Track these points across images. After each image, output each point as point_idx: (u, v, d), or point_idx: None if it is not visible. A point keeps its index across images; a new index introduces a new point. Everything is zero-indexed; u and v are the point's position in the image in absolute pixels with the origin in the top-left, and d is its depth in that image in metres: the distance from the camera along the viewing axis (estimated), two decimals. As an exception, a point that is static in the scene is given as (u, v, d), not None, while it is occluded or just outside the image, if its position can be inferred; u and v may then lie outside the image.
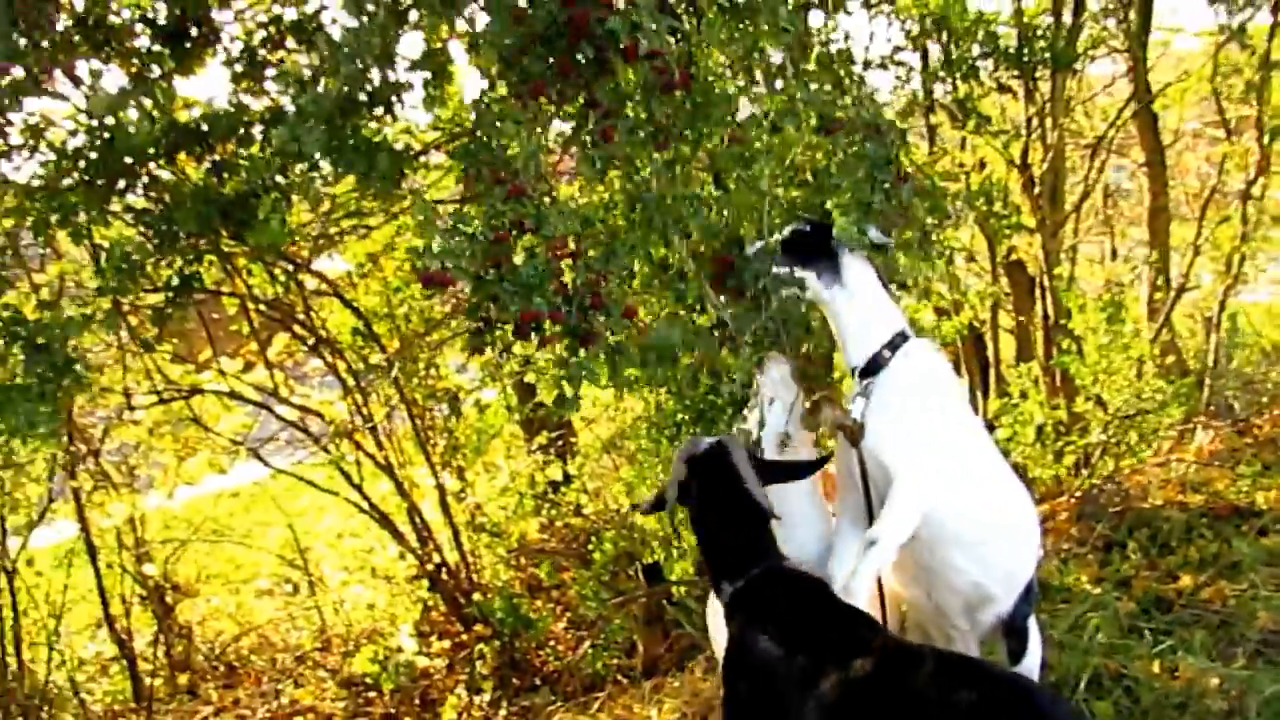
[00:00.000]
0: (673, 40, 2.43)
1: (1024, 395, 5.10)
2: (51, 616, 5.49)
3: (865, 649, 2.14)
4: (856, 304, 2.58)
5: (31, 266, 3.97)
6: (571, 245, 2.26)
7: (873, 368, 2.53)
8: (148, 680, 5.59)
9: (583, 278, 2.23)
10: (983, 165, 5.74)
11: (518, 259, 2.17)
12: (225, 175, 2.34)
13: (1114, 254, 7.87)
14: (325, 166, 2.36)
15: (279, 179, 2.28)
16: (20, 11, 2.14)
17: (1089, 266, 7.87)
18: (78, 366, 2.20)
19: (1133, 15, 5.83)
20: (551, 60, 2.27)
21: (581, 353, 2.26)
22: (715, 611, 2.56)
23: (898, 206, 2.64)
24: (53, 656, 5.49)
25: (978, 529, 2.53)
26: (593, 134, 2.31)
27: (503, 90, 2.30)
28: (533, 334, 2.18)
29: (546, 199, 2.23)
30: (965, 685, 2.03)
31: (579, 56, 2.29)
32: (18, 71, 2.21)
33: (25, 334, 2.17)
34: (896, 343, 2.55)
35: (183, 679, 5.59)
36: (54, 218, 2.18)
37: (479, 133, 2.22)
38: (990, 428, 5.31)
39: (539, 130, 2.27)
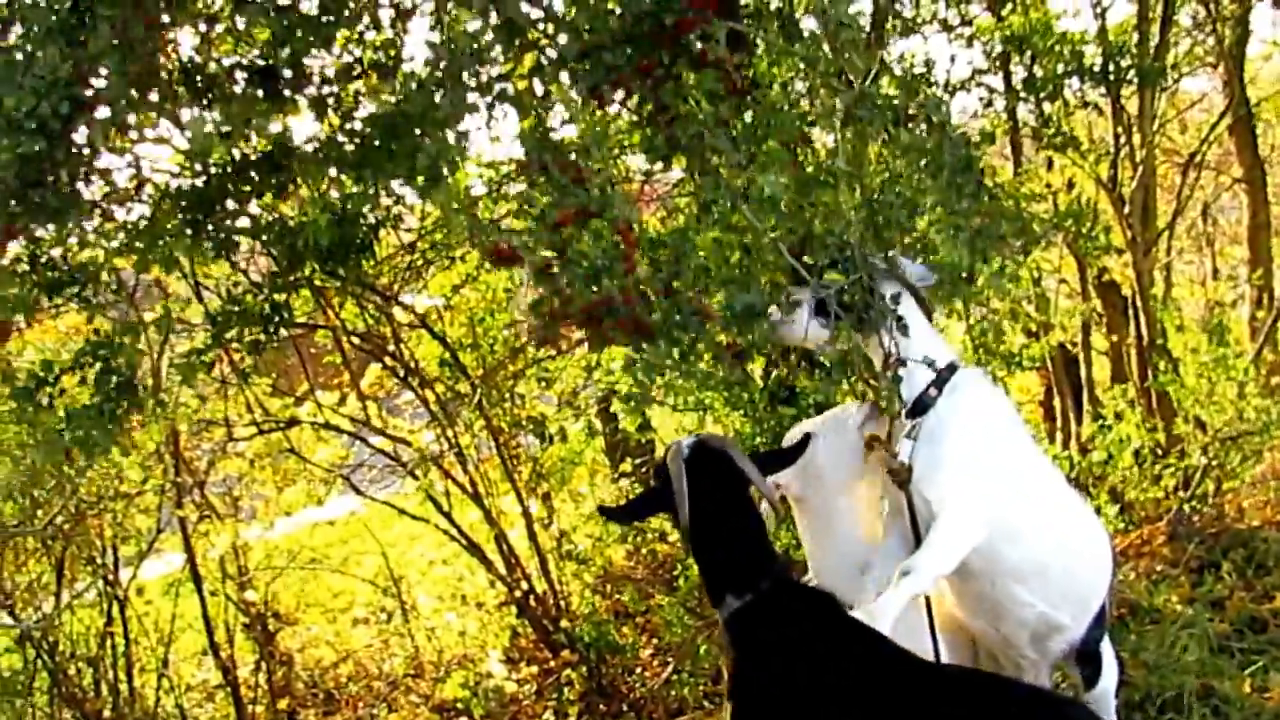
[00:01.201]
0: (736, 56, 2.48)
1: (1119, 417, 4.96)
2: (160, 644, 5.71)
3: (883, 674, 2.06)
4: (900, 344, 2.50)
5: (143, 307, 4.21)
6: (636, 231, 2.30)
7: (920, 408, 2.45)
8: (250, 707, 5.77)
9: (651, 272, 2.26)
10: (1070, 186, 5.64)
11: (584, 246, 2.20)
12: (313, 204, 2.47)
13: (1214, 273, 7.60)
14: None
15: (367, 211, 2.40)
16: (132, 61, 2.30)
17: (1189, 287, 7.62)
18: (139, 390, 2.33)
19: (1227, 30, 5.68)
20: (628, 58, 2.32)
21: (658, 348, 2.27)
22: None
23: (982, 212, 2.58)
24: (161, 683, 5.71)
25: (1038, 559, 2.47)
26: (659, 136, 2.36)
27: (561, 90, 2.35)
28: (603, 322, 2.19)
29: (610, 186, 2.28)
30: (974, 704, 2.02)
31: (660, 58, 2.35)
32: (129, 118, 2.36)
33: (104, 357, 2.32)
34: (944, 378, 2.47)
35: (283, 705, 5.74)
36: (153, 255, 2.32)
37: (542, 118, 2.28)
38: (1084, 451, 5.17)
39: (605, 119, 2.32)
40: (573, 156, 2.34)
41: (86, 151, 2.14)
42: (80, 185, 2.21)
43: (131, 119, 2.35)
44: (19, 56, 2.00)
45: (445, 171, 2.19)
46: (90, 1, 2.01)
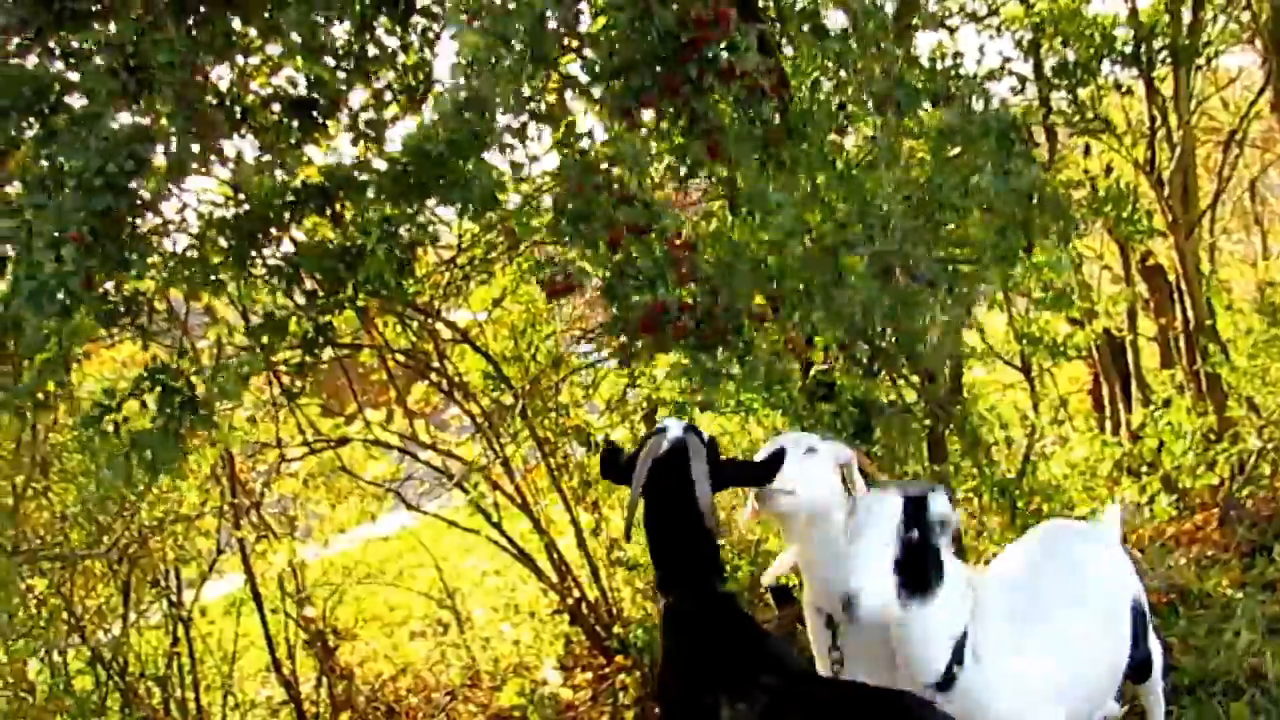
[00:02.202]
0: (761, 59, 2.50)
1: (1168, 403, 4.89)
2: (225, 663, 5.84)
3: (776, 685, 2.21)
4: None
5: (194, 334, 4.33)
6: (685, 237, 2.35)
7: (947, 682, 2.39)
8: (313, 720, 5.88)
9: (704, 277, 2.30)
10: (1109, 171, 5.57)
11: (637, 259, 2.26)
12: (348, 229, 2.54)
13: (1265, 252, 7.45)
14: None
15: (401, 229, 2.46)
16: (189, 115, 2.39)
17: (1239, 268, 7.47)
18: (201, 410, 2.42)
19: (1264, 4, 5.58)
20: (655, 76, 2.37)
21: (717, 354, 2.32)
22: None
23: (1026, 172, 2.57)
24: (227, 700, 5.84)
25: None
26: (695, 146, 2.40)
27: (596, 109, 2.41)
28: (663, 328, 2.25)
29: (655, 198, 2.33)
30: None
31: (687, 74, 2.40)
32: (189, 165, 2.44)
33: (163, 381, 2.41)
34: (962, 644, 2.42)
35: (345, 718, 5.84)
36: (201, 283, 2.41)
37: (582, 145, 2.33)
38: (1135, 439, 5.11)
39: (643, 137, 2.37)
40: (614, 173, 2.39)
41: (148, 199, 2.24)
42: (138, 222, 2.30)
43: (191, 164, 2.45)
44: (81, 122, 2.10)
45: (495, 196, 2.27)
46: (149, 69, 2.11)
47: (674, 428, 2.37)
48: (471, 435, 4.96)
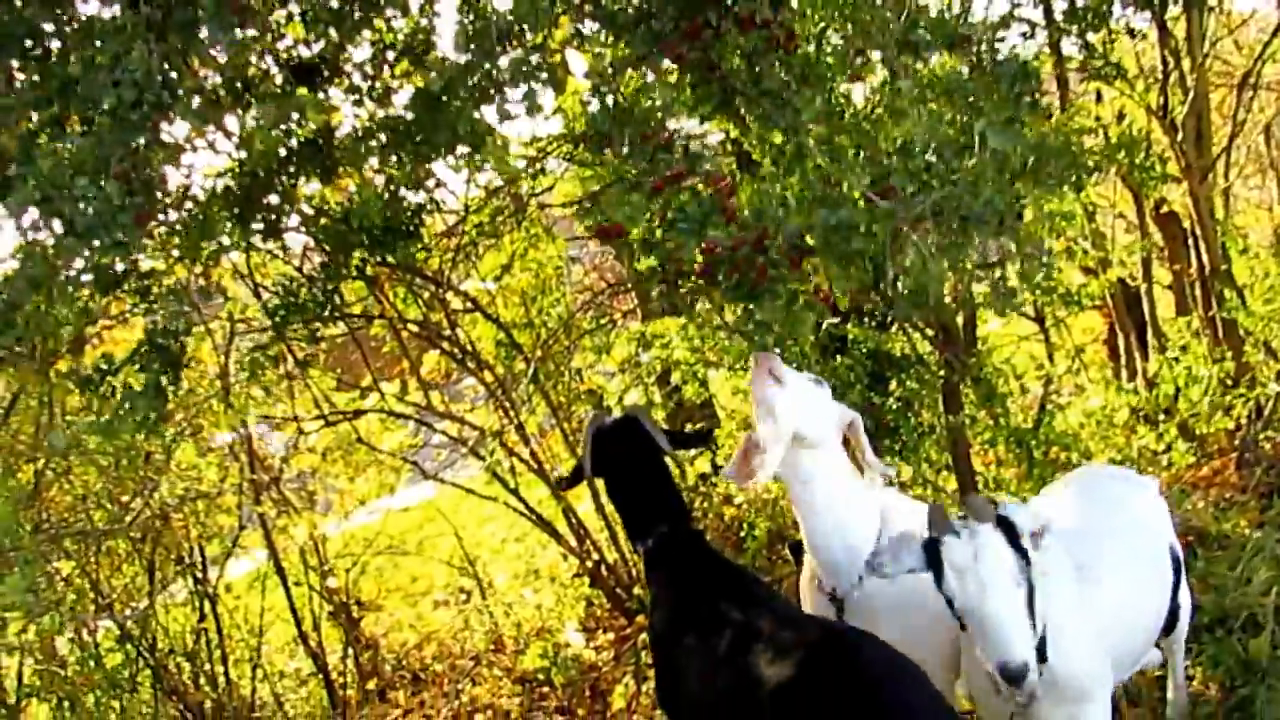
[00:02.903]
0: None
1: (1184, 349, 4.86)
2: (252, 636, 5.91)
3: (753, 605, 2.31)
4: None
5: (207, 312, 4.35)
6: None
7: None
8: (341, 690, 5.95)
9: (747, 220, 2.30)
10: (1121, 117, 5.50)
11: (683, 204, 2.26)
12: (358, 191, 2.53)
13: (1281, 196, 7.35)
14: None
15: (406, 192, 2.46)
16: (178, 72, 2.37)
17: (1254, 212, 7.39)
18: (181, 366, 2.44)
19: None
20: (676, 23, 2.35)
21: (762, 307, 2.32)
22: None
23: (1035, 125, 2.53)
24: (256, 673, 5.92)
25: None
26: (711, 94, 2.38)
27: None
28: (716, 271, 2.25)
29: (693, 143, 2.32)
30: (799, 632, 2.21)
31: (708, 20, 2.38)
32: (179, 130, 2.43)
33: (160, 344, 2.43)
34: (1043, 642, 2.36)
35: (372, 685, 5.91)
36: (206, 249, 2.41)
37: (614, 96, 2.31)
38: (1151, 386, 5.08)
39: (669, 83, 2.35)
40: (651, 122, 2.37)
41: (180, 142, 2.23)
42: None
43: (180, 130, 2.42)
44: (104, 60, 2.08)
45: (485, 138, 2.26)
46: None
47: (617, 412, 2.66)
48: (486, 403, 4.97)
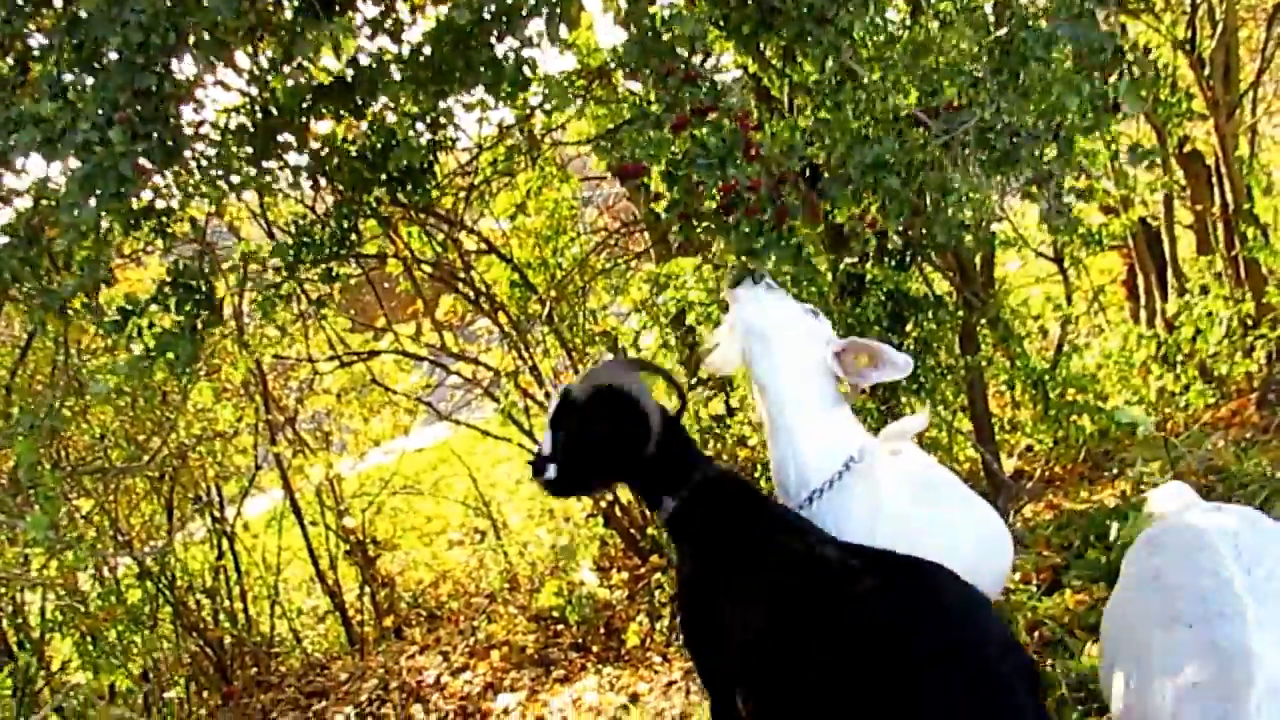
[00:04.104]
0: None
1: (1205, 290, 4.81)
2: (270, 574, 6.01)
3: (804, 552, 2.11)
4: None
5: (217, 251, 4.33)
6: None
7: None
8: (359, 627, 6.05)
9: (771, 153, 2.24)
10: (1147, 51, 5.38)
11: (705, 138, 2.20)
12: (373, 126, 2.49)
13: (1307, 133, 7.20)
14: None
15: (422, 128, 2.42)
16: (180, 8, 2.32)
17: (1278, 151, 7.25)
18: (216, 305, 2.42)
19: None
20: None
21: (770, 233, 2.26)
22: None
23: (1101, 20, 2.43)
24: (274, 610, 6.02)
25: None
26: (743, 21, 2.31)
27: None
28: (735, 208, 2.20)
29: (718, 77, 2.26)
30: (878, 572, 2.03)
31: None
32: (181, 65, 2.39)
33: (184, 283, 2.41)
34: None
35: (388, 623, 6.01)
36: (222, 182, 2.38)
37: (643, 25, 2.24)
38: (1171, 328, 5.03)
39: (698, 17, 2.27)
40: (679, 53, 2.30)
41: (192, 80, 2.19)
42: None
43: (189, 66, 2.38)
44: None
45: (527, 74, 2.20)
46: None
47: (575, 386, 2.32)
48: (500, 344, 4.96)
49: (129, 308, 2.39)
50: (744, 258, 2.25)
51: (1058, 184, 2.45)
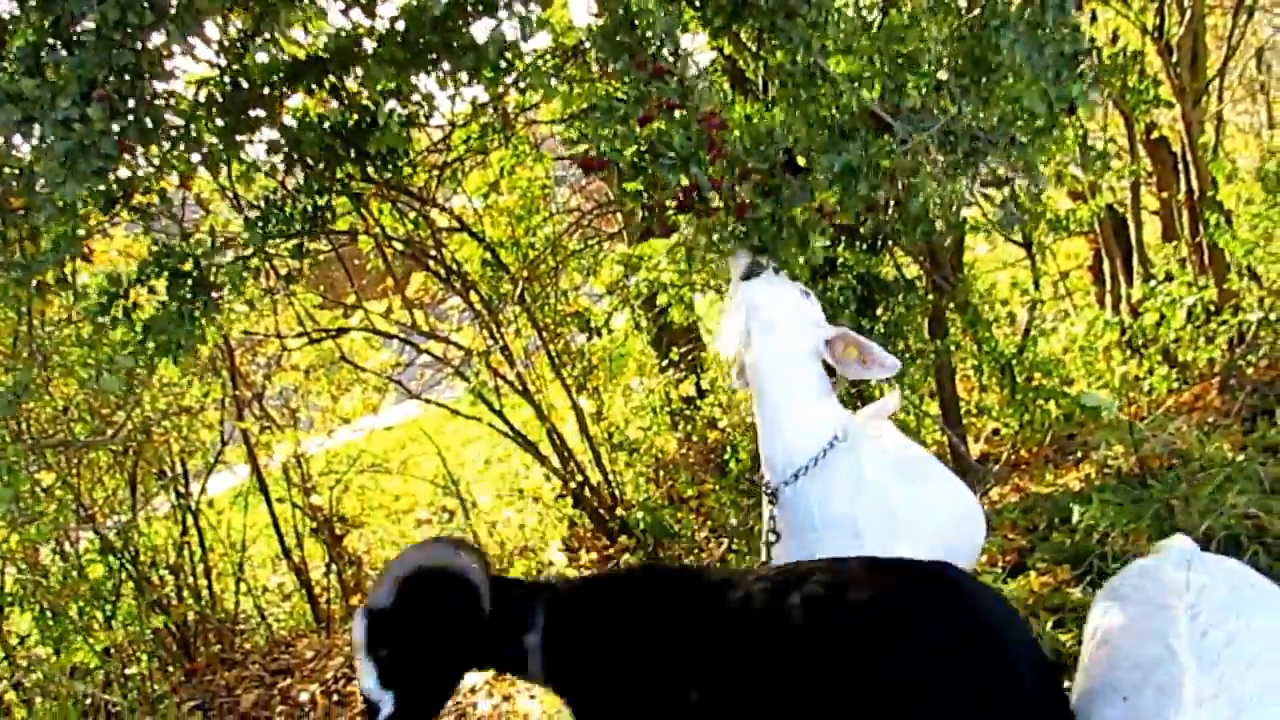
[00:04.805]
0: None
1: (1170, 277, 4.87)
2: (234, 551, 5.96)
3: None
4: None
5: (186, 225, 4.27)
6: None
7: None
8: (324, 605, 6.03)
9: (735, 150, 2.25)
10: (1115, 38, 5.42)
11: (668, 135, 2.21)
12: (346, 102, 2.47)
13: (1271, 123, 7.32)
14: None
15: (395, 104, 2.39)
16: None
17: (1243, 138, 7.36)
18: (215, 292, 2.39)
19: None
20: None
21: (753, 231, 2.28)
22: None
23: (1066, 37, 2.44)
24: (239, 587, 5.98)
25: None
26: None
27: None
28: (695, 206, 2.21)
29: (689, 74, 2.26)
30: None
31: None
32: (156, 38, 2.34)
33: (170, 265, 2.37)
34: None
35: (355, 601, 5.98)
36: (196, 158, 2.35)
37: (616, 15, 2.23)
38: (1135, 314, 5.10)
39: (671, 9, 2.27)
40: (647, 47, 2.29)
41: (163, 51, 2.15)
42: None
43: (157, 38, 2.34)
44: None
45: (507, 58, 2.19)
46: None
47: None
48: (472, 323, 4.94)
49: (113, 290, 2.35)
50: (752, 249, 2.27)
51: (1013, 190, 2.48)
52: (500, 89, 2.63)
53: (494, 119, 3.52)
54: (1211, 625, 1.62)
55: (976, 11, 2.41)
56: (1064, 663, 2.85)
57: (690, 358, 5.52)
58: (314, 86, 2.47)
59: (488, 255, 4.80)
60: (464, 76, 2.33)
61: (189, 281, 2.39)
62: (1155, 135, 5.51)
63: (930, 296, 3.75)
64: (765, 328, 2.36)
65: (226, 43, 2.32)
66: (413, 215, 4.42)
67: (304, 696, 4.77)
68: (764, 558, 2.39)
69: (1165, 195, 5.39)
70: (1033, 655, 1.82)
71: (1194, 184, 5.02)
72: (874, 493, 2.37)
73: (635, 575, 2.30)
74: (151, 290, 2.41)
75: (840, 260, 3.26)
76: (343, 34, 2.41)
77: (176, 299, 2.34)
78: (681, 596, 1.99)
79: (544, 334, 4.98)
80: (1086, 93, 2.43)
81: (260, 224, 2.63)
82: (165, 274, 2.38)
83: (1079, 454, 4.55)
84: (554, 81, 2.80)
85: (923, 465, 2.66)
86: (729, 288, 2.49)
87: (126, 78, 2.01)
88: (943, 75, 2.39)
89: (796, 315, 2.39)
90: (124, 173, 2.22)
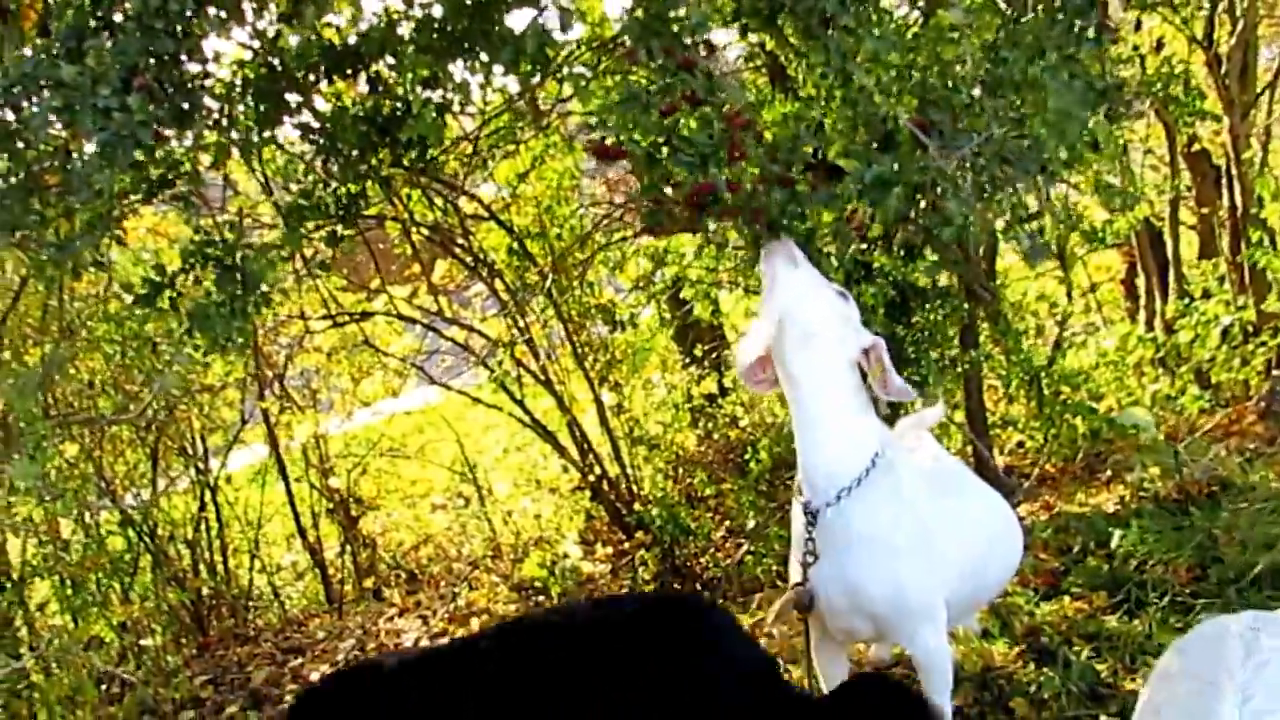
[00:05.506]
0: None
1: (1207, 294, 4.78)
2: (251, 528, 5.98)
3: None
4: None
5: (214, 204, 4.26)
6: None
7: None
8: (337, 586, 6.05)
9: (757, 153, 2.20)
10: (1159, 46, 5.32)
11: (690, 131, 2.16)
12: (380, 90, 2.44)
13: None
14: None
15: (429, 93, 2.36)
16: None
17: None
18: (264, 285, 2.37)
19: None
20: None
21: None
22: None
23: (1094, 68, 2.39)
24: (254, 564, 6.00)
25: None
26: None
27: None
28: (708, 207, 2.16)
29: (717, 71, 2.21)
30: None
31: None
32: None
33: (216, 255, 2.35)
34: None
35: (368, 583, 6.00)
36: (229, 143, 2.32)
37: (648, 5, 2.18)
38: (1169, 331, 5.02)
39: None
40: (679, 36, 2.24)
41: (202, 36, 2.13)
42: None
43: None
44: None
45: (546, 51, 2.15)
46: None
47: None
48: (498, 313, 4.91)
49: (158, 280, 2.33)
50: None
51: (1039, 225, 2.43)
52: (535, 80, 2.59)
53: (526, 109, 3.48)
54: (1263, 712, 1.50)
55: (1008, 32, 2.36)
56: (1100, 693, 2.80)
57: (714, 355, 5.47)
58: (349, 73, 2.43)
59: (514, 244, 4.78)
60: (499, 68, 2.29)
61: (238, 275, 2.35)
62: (1196, 148, 5.42)
63: (966, 305, 3.69)
64: (804, 338, 2.27)
65: (261, 27, 2.30)
66: (441, 202, 4.40)
67: (314, 676, 4.78)
68: (799, 579, 2.34)
69: (1205, 210, 5.29)
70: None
71: (1237, 200, 4.92)
72: (913, 513, 2.32)
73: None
74: (197, 280, 2.38)
75: (875, 265, 3.21)
76: (379, 20, 2.37)
77: (225, 292, 2.30)
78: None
79: (569, 325, 4.95)
80: (1111, 133, 2.39)
81: (295, 216, 2.60)
82: (210, 265, 2.35)
83: (1109, 473, 4.46)
84: (589, 76, 2.76)
85: (959, 479, 2.61)
86: (762, 284, 2.38)
87: (167, 65, 1.98)
88: (976, 93, 2.33)
89: (836, 322, 2.31)
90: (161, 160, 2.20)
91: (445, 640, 2.04)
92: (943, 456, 2.68)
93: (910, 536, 2.29)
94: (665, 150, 2.16)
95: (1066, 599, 3.38)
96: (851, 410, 2.30)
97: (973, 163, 2.21)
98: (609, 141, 2.19)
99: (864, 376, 2.33)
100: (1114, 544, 3.55)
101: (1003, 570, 2.63)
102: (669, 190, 2.22)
